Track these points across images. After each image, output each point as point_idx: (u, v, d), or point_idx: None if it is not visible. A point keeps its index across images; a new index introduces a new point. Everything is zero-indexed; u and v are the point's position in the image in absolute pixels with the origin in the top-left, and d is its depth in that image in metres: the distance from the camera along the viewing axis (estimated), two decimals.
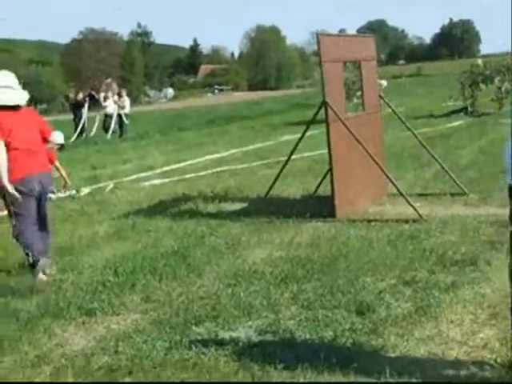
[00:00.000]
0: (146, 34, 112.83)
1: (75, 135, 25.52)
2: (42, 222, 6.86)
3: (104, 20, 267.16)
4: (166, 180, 13.22)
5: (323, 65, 8.54)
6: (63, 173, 12.24)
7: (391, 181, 8.78)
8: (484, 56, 60.68)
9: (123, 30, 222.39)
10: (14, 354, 4.87)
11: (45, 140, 7.17)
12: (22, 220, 6.61)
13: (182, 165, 15.51)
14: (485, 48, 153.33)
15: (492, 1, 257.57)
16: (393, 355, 4.44)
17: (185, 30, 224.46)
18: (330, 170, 8.70)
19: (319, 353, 4.48)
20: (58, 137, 13.20)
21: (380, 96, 10.01)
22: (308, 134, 22.21)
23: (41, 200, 6.79)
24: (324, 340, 4.75)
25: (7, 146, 6.51)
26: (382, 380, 4.05)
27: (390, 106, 10.04)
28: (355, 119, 9.32)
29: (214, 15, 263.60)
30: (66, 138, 15.96)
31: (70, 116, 28.77)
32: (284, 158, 15.21)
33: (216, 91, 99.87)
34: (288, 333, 4.92)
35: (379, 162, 8.87)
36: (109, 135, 25.12)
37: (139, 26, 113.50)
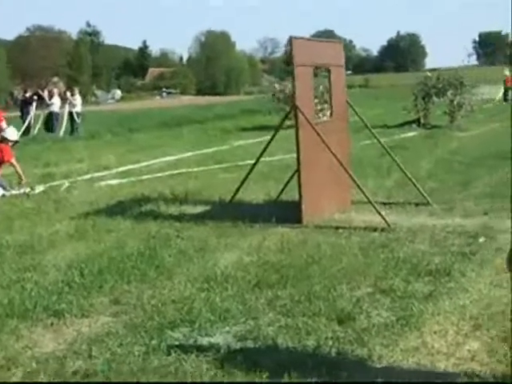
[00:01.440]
0: (95, 33, 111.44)
1: (20, 132, 24.88)
2: None
3: (52, 17, 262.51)
4: (123, 180, 12.95)
5: (295, 68, 8.44)
6: (19, 170, 11.94)
7: (360, 188, 8.72)
8: (431, 70, 61.62)
9: (72, 28, 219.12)
10: None
11: None
12: None
13: (137, 166, 15.23)
14: (430, 62, 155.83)
15: (438, 16, 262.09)
16: (380, 365, 4.32)
17: (134, 32, 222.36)
18: (298, 175, 8.59)
19: (304, 361, 4.35)
20: (12, 133, 12.89)
21: (348, 102, 9.95)
22: (261, 139, 22.22)
23: None
24: (307, 348, 4.61)
25: None
26: None
27: (357, 114, 9.98)
28: (323, 125, 9.24)
29: (163, 18, 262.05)
30: None
31: (16, 113, 28.20)
32: (241, 163, 15.24)
33: (164, 94, 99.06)
34: (269, 339, 4.77)
35: (346, 169, 8.81)
36: (61, 133, 24.58)
37: (88, 25, 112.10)
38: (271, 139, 9.22)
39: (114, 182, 12.82)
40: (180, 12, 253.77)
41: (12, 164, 12.12)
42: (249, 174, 9.42)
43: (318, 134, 8.47)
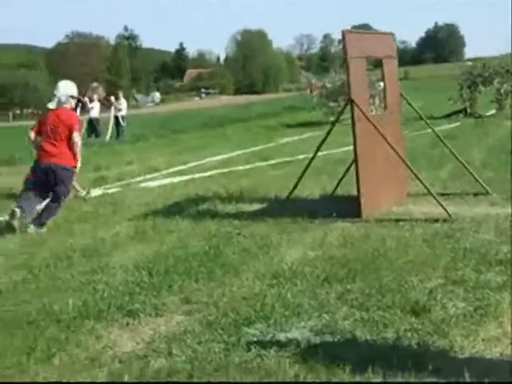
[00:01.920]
0: (133, 37, 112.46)
1: None
2: None
3: (90, 24, 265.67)
4: (175, 181, 13.04)
5: (349, 62, 8.40)
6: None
7: (420, 180, 8.65)
8: (470, 59, 60.87)
9: (110, 33, 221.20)
10: (63, 356, 4.65)
11: None
12: None
13: (186, 166, 15.32)
14: (469, 52, 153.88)
15: (476, 5, 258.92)
16: (463, 356, 4.28)
17: (171, 34, 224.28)
18: (356, 169, 8.54)
19: (386, 353, 4.32)
20: None
21: (401, 95, 9.87)
22: (307, 135, 22.22)
23: None
24: (387, 341, 4.58)
25: None
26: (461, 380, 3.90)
27: (411, 105, 9.91)
28: (379, 118, 9.18)
29: (199, 19, 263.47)
30: None
31: None
32: (289, 159, 15.24)
33: (203, 95, 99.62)
34: (347, 333, 4.75)
35: (405, 162, 8.75)
36: (107, 137, 24.83)
37: (126, 29, 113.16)
38: (327, 134, 9.17)
39: (167, 182, 12.90)
40: (215, 12, 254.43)
41: None
42: (305, 170, 9.38)
43: (375, 127, 8.40)
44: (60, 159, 9.28)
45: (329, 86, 26.08)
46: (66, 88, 9.85)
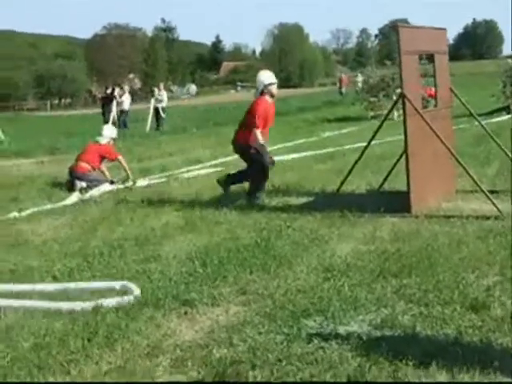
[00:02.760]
0: (170, 29, 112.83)
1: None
2: None
3: (128, 15, 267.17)
4: (220, 173, 13.05)
5: (402, 56, 8.35)
6: (126, 166, 12.21)
7: (471, 176, 8.58)
8: (509, 56, 60.11)
9: (147, 25, 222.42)
10: (125, 343, 4.71)
11: None
12: None
13: (230, 158, 15.31)
14: (507, 48, 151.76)
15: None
16: None
17: (207, 27, 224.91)
18: (406, 164, 8.49)
19: (448, 349, 4.30)
20: (112, 131, 13.17)
21: (451, 90, 9.80)
22: (346, 130, 22.12)
23: None
24: (448, 336, 4.56)
25: None
26: None
27: (461, 101, 9.84)
28: (430, 114, 9.11)
29: (235, 12, 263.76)
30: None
31: (95, 110, 28.79)
32: (332, 153, 15.20)
33: (239, 88, 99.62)
34: (408, 328, 4.73)
35: (457, 158, 8.70)
36: (147, 128, 25.02)
37: (163, 21, 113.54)
38: (378, 129, 9.17)
39: (211, 174, 12.95)
40: (252, 5, 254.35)
41: (119, 161, 12.39)
42: (354, 164, 9.37)
43: (428, 124, 8.36)
44: None
45: (370, 80, 25.90)
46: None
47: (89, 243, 7.72)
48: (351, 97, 38.77)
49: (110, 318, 5.14)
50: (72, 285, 6.03)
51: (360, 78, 41.32)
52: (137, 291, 5.66)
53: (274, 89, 10.18)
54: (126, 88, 27.80)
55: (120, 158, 12.43)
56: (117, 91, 26.76)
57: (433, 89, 10.66)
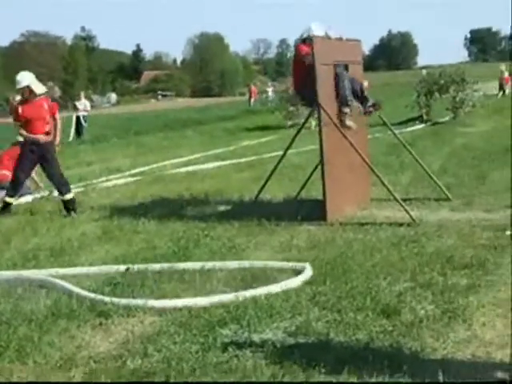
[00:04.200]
0: (90, 38, 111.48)
1: None
2: None
3: (47, 23, 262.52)
4: (139, 182, 13.00)
5: (316, 67, 8.48)
6: (35, 176, 11.89)
7: (385, 185, 8.80)
8: (424, 67, 61.86)
9: (67, 33, 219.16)
10: (37, 356, 4.63)
11: None
12: None
13: (149, 167, 15.27)
14: (421, 60, 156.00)
15: (427, 14, 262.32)
16: (435, 358, 4.37)
17: (127, 36, 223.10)
18: (322, 173, 8.63)
19: (360, 355, 4.39)
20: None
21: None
22: (265, 139, 22.24)
23: None
24: (360, 342, 4.66)
25: None
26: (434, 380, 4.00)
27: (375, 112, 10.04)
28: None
29: (156, 21, 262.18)
30: None
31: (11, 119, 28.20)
32: (251, 162, 15.30)
33: (159, 97, 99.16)
34: (321, 335, 4.81)
35: (371, 167, 8.89)
36: (70, 138, 24.61)
37: (83, 29, 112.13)
38: (294, 137, 9.27)
39: (130, 184, 12.86)
40: (173, 15, 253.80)
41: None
42: (272, 173, 9.46)
43: (342, 133, 8.52)
44: None
45: (290, 90, 26.15)
46: None
47: (2, 255, 7.56)
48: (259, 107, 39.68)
49: (21, 331, 5.05)
50: None
51: (270, 88, 45.85)
52: None
53: None
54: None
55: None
56: None
57: None
